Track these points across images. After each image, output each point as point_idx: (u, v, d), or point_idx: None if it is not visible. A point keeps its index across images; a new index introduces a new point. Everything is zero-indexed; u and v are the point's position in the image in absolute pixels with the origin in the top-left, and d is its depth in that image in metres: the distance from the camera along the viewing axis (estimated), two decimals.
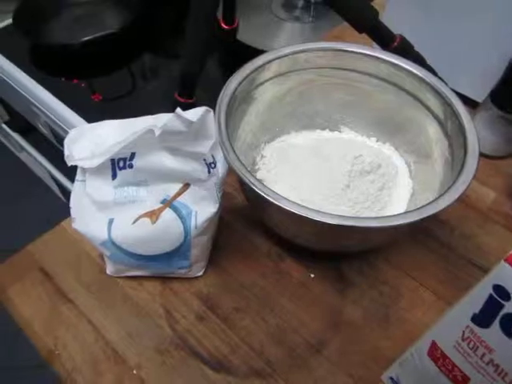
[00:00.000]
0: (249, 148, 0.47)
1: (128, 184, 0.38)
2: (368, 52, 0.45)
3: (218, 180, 0.36)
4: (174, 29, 0.85)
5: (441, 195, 0.34)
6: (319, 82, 0.47)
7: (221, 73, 0.76)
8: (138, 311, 0.41)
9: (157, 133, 0.33)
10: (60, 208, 1.09)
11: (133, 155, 0.37)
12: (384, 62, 0.44)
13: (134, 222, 0.38)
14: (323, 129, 0.50)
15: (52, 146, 0.87)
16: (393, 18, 0.54)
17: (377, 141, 0.49)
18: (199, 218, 0.38)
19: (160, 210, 0.38)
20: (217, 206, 0.38)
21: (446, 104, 0.41)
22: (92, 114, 0.70)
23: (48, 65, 0.78)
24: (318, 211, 0.34)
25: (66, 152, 0.38)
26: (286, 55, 0.45)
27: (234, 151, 0.37)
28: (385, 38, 0.53)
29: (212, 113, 0.33)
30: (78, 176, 0.39)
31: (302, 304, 0.41)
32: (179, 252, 0.39)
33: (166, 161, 0.36)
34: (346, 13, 0.51)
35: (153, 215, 0.38)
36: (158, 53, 0.83)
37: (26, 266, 0.43)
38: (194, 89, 0.56)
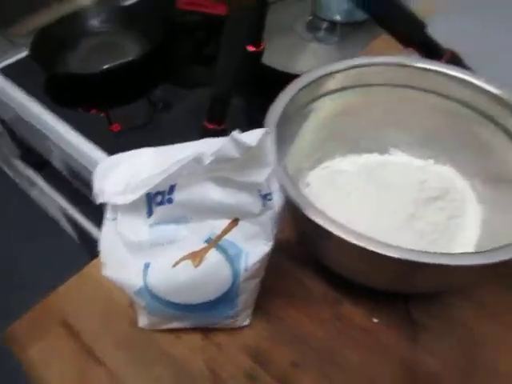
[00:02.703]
0: (293, 176, 0.42)
1: (166, 222, 0.33)
2: (429, 66, 0.40)
3: (273, 214, 0.31)
4: (194, 58, 0.82)
5: None
6: (367, 100, 0.43)
7: (245, 98, 0.73)
8: (177, 370, 0.35)
9: (206, 161, 0.29)
10: (76, 252, 1.03)
11: (172, 188, 0.32)
12: (447, 76, 0.40)
13: (174, 266, 0.33)
14: (370, 152, 0.45)
15: (66, 183, 0.83)
16: (438, 33, 0.50)
17: (434, 163, 0.44)
18: (250, 259, 0.32)
19: (204, 251, 0.33)
20: (270, 244, 0.33)
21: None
22: (111, 146, 0.66)
23: (64, 96, 0.75)
24: (390, 245, 0.29)
25: (96, 187, 0.33)
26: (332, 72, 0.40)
27: (287, 173, 0.32)
28: (433, 53, 0.49)
29: (271, 136, 0.28)
30: (109, 214, 0.34)
31: (369, 355, 0.35)
32: (225, 299, 0.34)
33: (213, 193, 0.31)
34: (392, 25, 0.48)
35: (196, 257, 0.33)
36: (177, 82, 0.80)
37: (47, 321, 0.37)
38: (224, 114, 0.52)
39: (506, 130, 0.38)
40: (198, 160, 0.29)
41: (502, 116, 0.38)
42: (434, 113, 0.42)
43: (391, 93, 0.42)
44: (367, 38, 0.74)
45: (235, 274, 0.33)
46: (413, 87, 0.42)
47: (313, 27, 0.79)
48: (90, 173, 0.33)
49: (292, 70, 0.72)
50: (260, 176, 0.29)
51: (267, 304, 0.38)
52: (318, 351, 0.35)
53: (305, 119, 0.41)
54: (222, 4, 0.80)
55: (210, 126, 0.52)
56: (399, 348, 0.36)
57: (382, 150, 0.45)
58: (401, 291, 0.36)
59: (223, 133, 0.54)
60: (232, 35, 0.53)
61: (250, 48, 0.67)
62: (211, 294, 0.33)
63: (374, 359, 0.35)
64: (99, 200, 0.32)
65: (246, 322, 0.37)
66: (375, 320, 0.37)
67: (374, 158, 0.45)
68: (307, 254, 0.39)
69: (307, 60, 0.75)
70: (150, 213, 0.33)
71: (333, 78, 0.40)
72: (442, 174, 0.41)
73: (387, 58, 0.41)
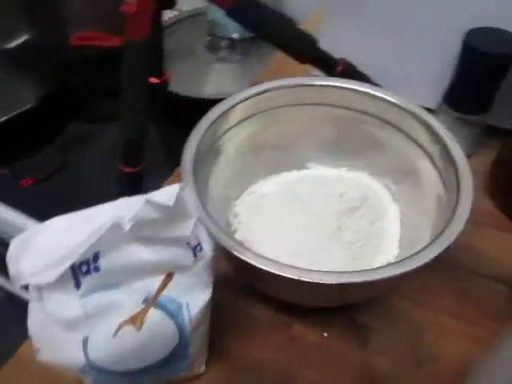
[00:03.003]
0: (221, 209, 0.42)
1: (97, 290, 0.32)
2: (326, 83, 0.42)
3: (207, 263, 0.31)
4: (99, 91, 0.79)
5: (437, 237, 0.31)
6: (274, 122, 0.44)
7: (158, 131, 0.72)
8: None
9: (126, 226, 0.28)
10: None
11: (97, 255, 0.30)
12: (344, 89, 0.42)
13: (115, 335, 0.31)
14: (289, 170, 0.47)
15: None
16: (329, 43, 0.53)
17: (348, 170, 0.46)
18: (192, 310, 0.32)
19: (143, 312, 0.32)
20: (210, 291, 0.32)
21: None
22: (25, 203, 0.62)
23: None
24: (319, 271, 0.30)
25: (13, 270, 0.30)
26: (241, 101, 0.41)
27: (211, 218, 0.32)
28: (328, 65, 0.51)
29: (188, 188, 0.28)
30: (33, 295, 0.32)
31: (326, 370, 0.36)
32: (176, 354, 0.33)
33: (140, 253, 0.30)
34: (284, 46, 0.49)
35: (136, 320, 0.32)
36: (86, 119, 0.76)
37: None
38: (139, 156, 0.51)
39: (403, 131, 0.41)
40: (117, 226, 0.28)
41: (398, 119, 0.41)
42: (339, 123, 0.44)
43: (295, 111, 0.44)
44: (268, 51, 0.76)
45: (181, 328, 0.32)
46: (315, 104, 0.44)
47: (213, 47, 0.80)
48: (10, 236, 0.31)
49: (201, 95, 0.72)
50: (185, 229, 0.29)
51: (219, 344, 0.37)
52: (277, 377, 0.36)
53: (219, 152, 0.42)
54: (116, 36, 0.78)
55: (127, 169, 0.51)
56: (352, 356, 0.37)
57: (300, 166, 0.47)
58: (341, 305, 0.38)
59: (140, 174, 0.52)
60: (131, 69, 0.51)
61: (153, 80, 0.66)
62: (160, 353, 0.33)
63: (332, 372, 0.36)
64: (19, 283, 0.30)
65: (202, 370, 0.36)
66: (325, 334, 0.38)
67: (294, 175, 0.46)
68: (247, 284, 0.40)
69: (213, 81, 0.75)
70: (77, 285, 0.31)
71: (236, 110, 0.41)
72: (359, 181, 0.43)
73: (284, 81, 0.43)
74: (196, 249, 0.30)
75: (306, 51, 0.49)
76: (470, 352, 0.34)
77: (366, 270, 0.29)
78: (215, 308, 0.38)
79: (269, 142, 0.45)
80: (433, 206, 0.38)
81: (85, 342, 0.31)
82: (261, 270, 0.30)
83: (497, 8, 0.45)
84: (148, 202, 0.27)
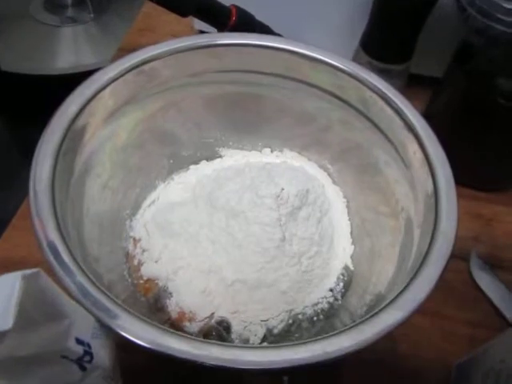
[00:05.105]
0: (110, 236, 0.29)
1: None
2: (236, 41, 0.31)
3: (105, 368, 0.19)
4: None
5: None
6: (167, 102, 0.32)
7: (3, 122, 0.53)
8: None
9: None
10: None
11: None
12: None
13: None
14: (196, 162, 0.35)
15: None
16: None
17: (271, 151, 0.36)
18: None
19: None
20: None
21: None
22: None
23: None
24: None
25: None
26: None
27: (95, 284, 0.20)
28: (219, 16, 0.39)
29: (41, 273, 0.15)
30: None
31: None
32: None
33: None
34: None
35: None
36: None
37: None
38: None
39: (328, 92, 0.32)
40: None
41: (314, 77, 0.32)
42: (246, 93, 0.33)
43: (190, 84, 0.32)
44: (130, 5, 0.60)
45: None
46: (216, 71, 0.32)
47: (54, 6, 0.60)
48: None
49: (47, 70, 0.55)
50: (54, 340, 0.16)
51: None
52: None
53: (94, 156, 0.28)
54: None
55: None
56: None
57: (210, 155, 0.36)
58: None
59: None
60: None
61: None
62: None
63: None
64: None
65: None
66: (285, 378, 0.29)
67: (203, 169, 0.35)
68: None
69: (62, 50, 0.57)
70: None
71: (111, 90, 0.27)
72: (290, 168, 0.33)
73: (170, 44, 0.30)
74: (82, 360, 0.18)
75: (189, 0, 0.37)
76: (448, 354, 0.30)
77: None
78: None
79: (160, 129, 0.32)
80: (384, 183, 0.30)
81: None
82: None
83: None
84: None
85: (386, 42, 0.41)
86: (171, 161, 0.34)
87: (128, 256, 0.30)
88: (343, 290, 0.30)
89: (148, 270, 0.29)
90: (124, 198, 0.31)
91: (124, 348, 0.20)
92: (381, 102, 0.29)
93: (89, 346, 0.18)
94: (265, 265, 0.28)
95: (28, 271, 0.15)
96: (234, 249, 0.29)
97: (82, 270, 0.20)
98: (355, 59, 0.42)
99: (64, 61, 0.59)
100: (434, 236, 0.22)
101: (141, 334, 0.18)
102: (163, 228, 0.30)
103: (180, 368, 0.28)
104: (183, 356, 0.18)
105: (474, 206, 0.40)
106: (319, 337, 0.19)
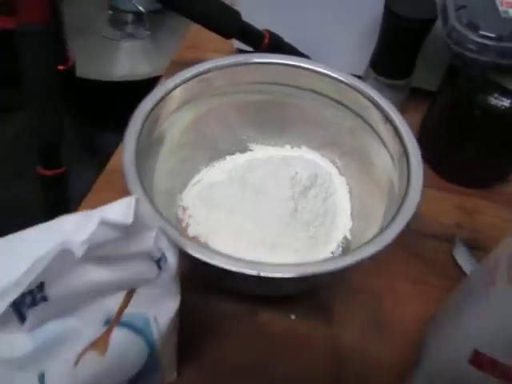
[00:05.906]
0: (168, 203, 0.39)
1: (48, 320, 0.28)
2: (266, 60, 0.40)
3: (172, 273, 0.29)
4: None
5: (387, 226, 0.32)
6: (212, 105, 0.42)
7: (73, 121, 0.64)
8: None
9: (79, 252, 0.24)
10: None
11: (42, 284, 0.26)
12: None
13: (76, 363, 0.28)
14: (232, 153, 0.45)
15: None
16: (250, 15, 0.50)
17: (291, 147, 0.45)
18: (161, 322, 0.30)
19: (106, 335, 0.28)
20: (178, 299, 0.30)
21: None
22: None
23: None
24: (275, 265, 0.29)
25: None
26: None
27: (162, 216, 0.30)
28: (255, 38, 0.49)
29: (141, 198, 0.25)
30: None
31: (297, 348, 0.36)
32: (147, 369, 0.31)
33: (96, 275, 0.27)
34: (208, 22, 0.46)
35: (99, 345, 0.28)
36: None
37: None
38: (60, 157, 0.45)
39: (339, 102, 0.41)
40: (66, 252, 0.24)
41: (333, 91, 0.41)
42: (273, 100, 0.43)
43: (231, 91, 0.41)
44: (181, 24, 0.71)
45: (150, 343, 0.30)
46: (250, 82, 0.42)
47: (117, 23, 0.72)
48: None
49: (110, 77, 0.66)
50: (145, 243, 0.26)
51: (187, 345, 0.36)
52: (251, 365, 0.35)
53: (162, 141, 0.38)
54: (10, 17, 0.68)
55: (49, 173, 0.45)
56: (320, 334, 0.37)
57: (242, 148, 0.45)
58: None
59: (64, 175, 0.47)
60: (33, 57, 0.44)
61: (59, 67, 0.58)
62: (130, 371, 0.30)
63: (303, 350, 0.36)
64: None
65: (174, 376, 0.34)
66: (293, 317, 0.38)
67: (238, 159, 0.44)
68: (206, 279, 0.38)
69: (122, 61, 0.69)
70: (22, 319, 0.27)
71: (172, 97, 0.37)
72: (305, 159, 0.42)
73: (225, 60, 0.40)
74: (160, 261, 0.27)
75: (232, 25, 0.46)
76: (425, 311, 0.37)
77: (325, 260, 0.29)
78: (180, 312, 0.36)
79: (204, 128, 0.42)
80: (379, 174, 0.39)
81: (41, 379, 0.28)
82: (219, 268, 0.28)
83: None
84: (103, 222, 0.23)
85: (391, 62, 0.50)
86: (213, 151, 0.44)
87: (178, 219, 0.39)
88: (341, 254, 0.39)
89: (193, 231, 0.39)
90: (178, 177, 0.41)
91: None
92: (375, 109, 0.38)
93: (164, 253, 0.27)
94: (281, 230, 0.37)
95: (135, 197, 0.24)
96: (258, 217, 0.38)
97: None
98: (365, 75, 0.51)
99: (123, 70, 0.71)
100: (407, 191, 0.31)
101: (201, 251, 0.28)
102: (205, 201, 0.40)
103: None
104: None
105: (460, 200, 0.48)
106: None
